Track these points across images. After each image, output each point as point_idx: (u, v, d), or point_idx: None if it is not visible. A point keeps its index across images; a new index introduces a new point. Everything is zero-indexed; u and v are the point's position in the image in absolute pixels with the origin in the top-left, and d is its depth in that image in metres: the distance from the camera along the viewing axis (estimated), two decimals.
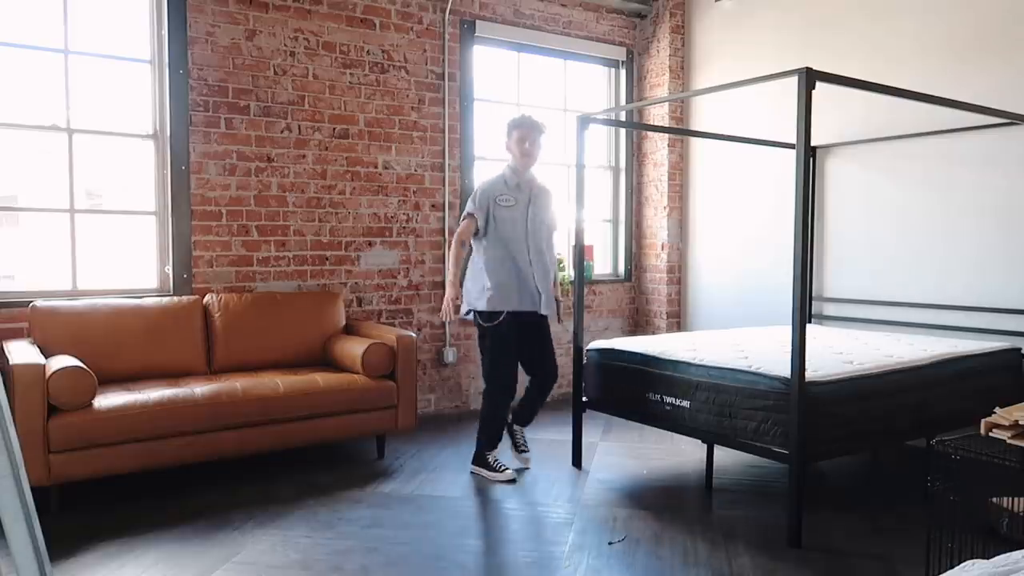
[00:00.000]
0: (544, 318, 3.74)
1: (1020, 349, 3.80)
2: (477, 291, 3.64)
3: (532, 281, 3.64)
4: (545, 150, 3.80)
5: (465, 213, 3.66)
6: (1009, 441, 2.35)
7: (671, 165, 5.71)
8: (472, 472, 3.74)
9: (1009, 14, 3.95)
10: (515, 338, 3.64)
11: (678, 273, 5.80)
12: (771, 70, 3.13)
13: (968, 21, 4.11)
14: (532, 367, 3.82)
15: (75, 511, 3.16)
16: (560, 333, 5.48)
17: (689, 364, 3.30)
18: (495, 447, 3.74)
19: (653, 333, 5.72)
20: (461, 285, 3.73)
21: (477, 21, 5.09)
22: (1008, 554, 1.47)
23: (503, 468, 3.68)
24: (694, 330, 5.58)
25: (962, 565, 1.46)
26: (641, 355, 3.54)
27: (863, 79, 3.06)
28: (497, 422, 3.74)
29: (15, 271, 4.05)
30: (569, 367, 4.01)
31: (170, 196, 4.11)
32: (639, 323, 5.97)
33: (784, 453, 2.86)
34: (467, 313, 3.70)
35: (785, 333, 3.70)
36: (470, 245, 3.72)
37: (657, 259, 5.81)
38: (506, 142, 3.71)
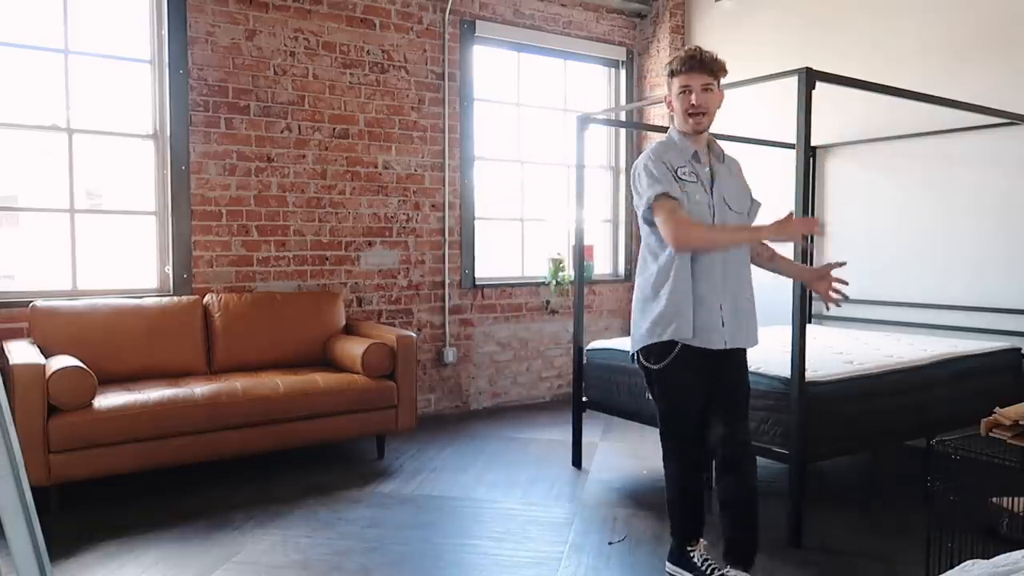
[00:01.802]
0: (736, 355, 2.49)
1: (1020, 349, 3.80)
2: (648, 321, 2.45)
3: (720, 301, 2.40)
4: (722, 106, 2.48)
5: (651, 196, 2.36)
6: (1009, 441, 2.34)
7: None
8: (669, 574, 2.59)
9: (1010, 13, 3.95)
10: (695, 384, 2.46)
11: None
12: (771, 70, 3.12)
13: (969, 20, 4.11)
14: (713, 432, 2.48)
15: (75, 511, 3.16)
16: (560, 333, 5.49)
17: None
18: (692, 537, 2.52)
19: None
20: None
21: (477, 21, 5.09)
22: (1008, 554, 1.47)
23: (713, 569, 2.44)
24: None
25: (962, 565, 1.46)
26: None
27: (863, 79, 3.06)
28: (685, 505, 2.53)
29: (15, 271, 4.05)
30: (569, 367, 4.01)
31: (170, 196, 4.11)
32: None
33: (784, 453, 2.86)
34: (634, 358, 2.55)
35: (785, 333, 3.70)
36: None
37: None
38: (666, 97, 2.49)
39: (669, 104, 2.47)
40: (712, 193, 2.42)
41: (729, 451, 2.44)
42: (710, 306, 2.40)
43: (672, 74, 2.40)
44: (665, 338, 2.39)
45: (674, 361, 2.41)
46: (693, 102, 2.36)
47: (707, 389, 2.47)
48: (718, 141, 2.53)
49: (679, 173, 2.39)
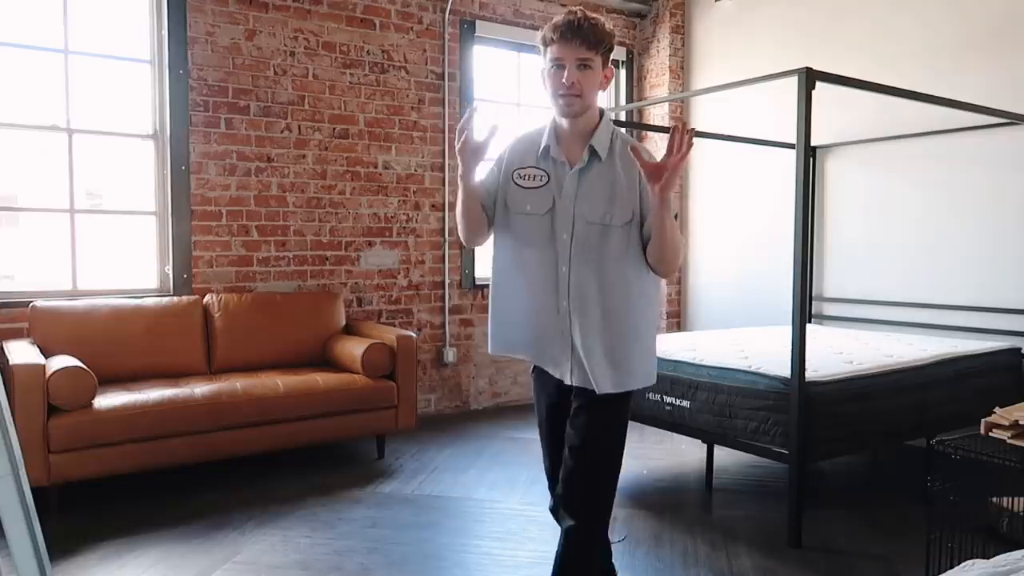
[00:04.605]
0: (588, 399, 1.92)
1: (1020, 349, 3.80)
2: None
3: (558, 331, 1.93)
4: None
5: None
6: (1009, 441, 2.35)
7: None
8: None
9: (1014, 11, 3.94)
10: (545, 417, 2.13)
11: (678, 273, 5.80)
12: (771, 69, 3.13)
13: (972, 18, 4.11)
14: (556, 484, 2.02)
15: (75, 511, 3.16)
16: None
17: (689, 364, 3.29)
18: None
19: None
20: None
21: (477, 21, 5.09)
22: (1008, 554, 1.47)
23: None
24: (694, 330, 5.58)
25: (962, 565, 1.46)
26: None
27: (864, 78, 3.06)
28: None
29: (15, 271, 4.05)
30: None
31: (170, 196, 4.11)
32: None
33: (784, 453, 2.86)
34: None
35: (785, 333, 3.70)
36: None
37: None
38: (542, 72, 1.99)
39: (543, 78, 1.98)
40: (560, 199, 1.90)
41: None
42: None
43: (545, 42, 1.92)
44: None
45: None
46: (564, 80, 1.87)
47: None
48: (620, 131, 1.98)
49: (517, 175, 1.97)
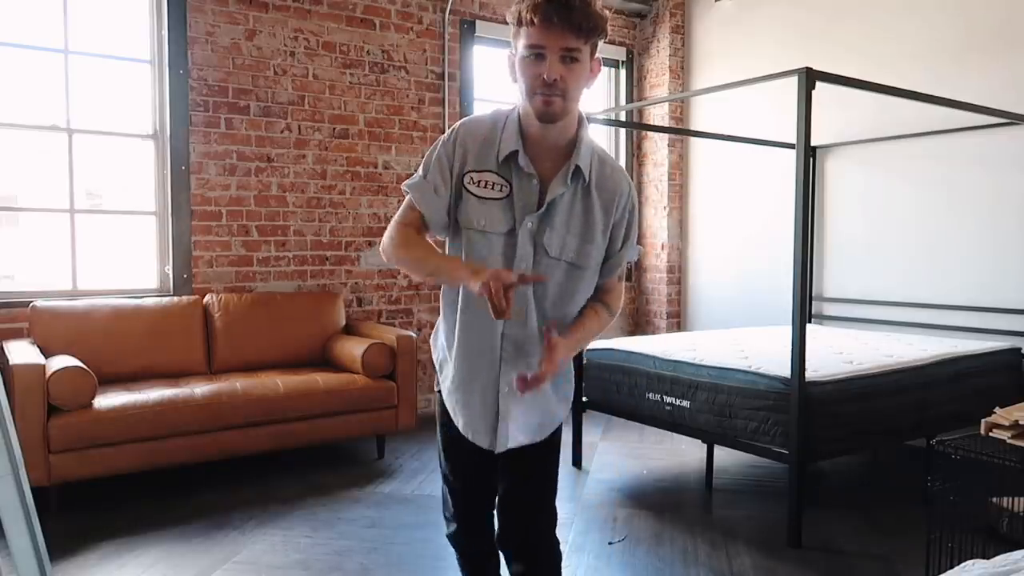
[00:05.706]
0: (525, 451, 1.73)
1: (1020, 349, 3.80)
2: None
3: (491, 384, 1.73)
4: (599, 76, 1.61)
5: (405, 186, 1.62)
6: (1009, 441, 2.35)
7: (671, 165, 5.71)
8: None
9: (1013, 15, 3.94)
10: (459, 462, 1.95)
11: (678, 273, 5.80)
12: (771, 69, 3.13)
13: (972, 18, 4.11)
14: (499, 531, 1.81)
15: (75, 511, 3.16)
16: None
17: (689, 364, 3.30)
18: None
19: (653, 333, 5.72)
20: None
21: (477, 21, 5.08)
22: (1008, 554, 1.47)
23: None
24: (694, 330, 5.58)
25: (962, 565, 1.46)
26: (641, 355, 3.54)
27: (864, 78, 3.06)
28: None
29: (15, 271, 4.05)
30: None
31: (170, 196, 4.11)
32: (639, 323, 5.97)
33: (784, 453, 2.86)
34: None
35: (785, 333, 3.70)
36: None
37: (657, 259, 5.81)
38: (510, 55, 1.54)
39: (512, 66, 1.53)
40: (526, 220, 1.53)
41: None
42: None
43: (519, 22, 1.46)
44: None
45: None
46: (545, 75, 1.45)
47: None
48: (596, 144, 1.68)
49: (468, 179, 1.54)
